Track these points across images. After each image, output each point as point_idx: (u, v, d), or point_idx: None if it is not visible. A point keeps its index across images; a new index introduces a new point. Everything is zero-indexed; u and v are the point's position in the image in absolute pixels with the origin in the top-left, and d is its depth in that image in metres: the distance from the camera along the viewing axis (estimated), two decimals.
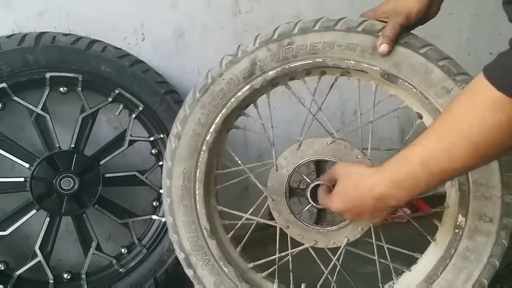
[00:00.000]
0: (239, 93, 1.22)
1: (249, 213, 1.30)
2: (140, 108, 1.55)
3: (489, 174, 1.12)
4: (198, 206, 1.27)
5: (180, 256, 1.28)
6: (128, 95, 1.53)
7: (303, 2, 1.94)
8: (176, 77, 1.77)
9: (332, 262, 1.27)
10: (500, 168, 1.11)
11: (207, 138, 1.24)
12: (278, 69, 1.19)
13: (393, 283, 1.28)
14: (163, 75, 1.66)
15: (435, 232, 1.25)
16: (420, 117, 1.21)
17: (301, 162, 1.23)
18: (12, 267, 1.50)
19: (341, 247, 1.24)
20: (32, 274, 1.52)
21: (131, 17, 1.72)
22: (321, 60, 1.18)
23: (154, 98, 1.55)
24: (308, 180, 1.24)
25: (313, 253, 1.26)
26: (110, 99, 1.54)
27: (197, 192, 1.26)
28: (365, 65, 1.15)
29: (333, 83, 1.25)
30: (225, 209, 1.32)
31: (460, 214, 1.16)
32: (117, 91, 1.52)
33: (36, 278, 1.53)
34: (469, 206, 1.14)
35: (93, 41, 1.51)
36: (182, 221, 1.27)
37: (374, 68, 1.15)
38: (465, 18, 2.42)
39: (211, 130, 1.23)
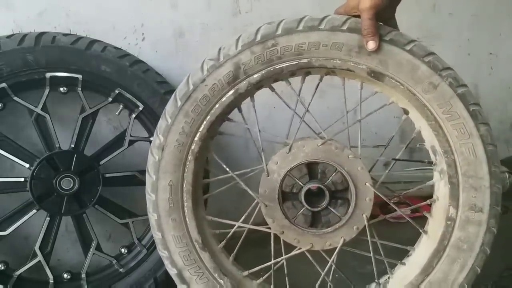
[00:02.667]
0: (224, 99, 1.18)
1: (240, 221, 1.27)
2: (140, 108, 1.55)
3: (478, 166, 1.16)
4: (187, 219, 1.23)
5: (172, 272, 1.25)
6: (128, 95, 1.52)
7: (303, 2, 1.94)
8: (176, 77, 1.77)
9: (328, 264, 1.27)
10: (488, 160, 1.16)
11: (193, 147, 1.20)
12: (263, 72, 1.16)
13: (389, 278, 1.29)
14: (163, 75, 1.66)
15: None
16: (407, 112, 1.23)
17: (292, 166, 1.20)
18: (12, 267, 1.50)
19: (337, 248, 1.24)
20: (32, 274, 1.52)
21: (131, 17, 1.72)
22: (306, 61, 1.16)
23: (154, 98, 1.54)
24: (301, 184, 1.21)
25: (309, 256, 1.25)
26: (110, 99, 1.54)
27: (186, 204, 1.22)
28: (352, 64, 1.15)
29: (318, 83, 1.24)
30: (215, 219, 1.29)
31: (451, 206, 1.18)
32: (117, 91, 1.52)
33: (36, 278, 1.53)
34: (460, 198, 1.18)
35: (93, 41, 1.51)
36: (172, 236, 1.23)
37: (361, 67, 1.15)
38: (465, 18, 2.42)
39: (196, 139, 1.19)
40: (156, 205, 1.22)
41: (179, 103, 1.18)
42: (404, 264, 1.28)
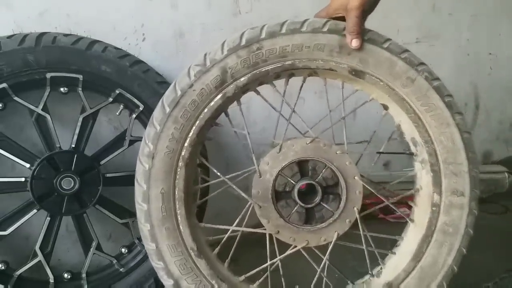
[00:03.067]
0: (212, 103, 1.19)
1: (234, 225, 1.27)
2: (141, 108, 1.55)
3: (456, 153, 1.24)
4: (181, 227, 1.21)
5: (168, 283, 1.23)
6: (128, 95, 1.53)
7: (303, 2, 1.95)
8: (176, 77, 1.77)
9: (324, 261, 1.28)
10: (465, 146, 1.24)
11: (183, 153, 1.19)
12: (249, 75, 1.19)
13: (381, 268, 1.33)
14: (163, 75, 1.66)
15: None
16: (386, 108, 1.30)
17: (284, 165, 1.23)
18: (13, 267, 1.50)
19: (332, 242, 1.26)
20: (33, 274, 1.52)
21: (131, 17, 1.73)
22: (291, 63, 1.19)
23: (154, 98, 1.54)
24: (293, 182, 1.24)
25: (305, 254, 1.26)
26: (110, 99, 1.54)
27: (178, 212, 1.21)
28: (333, 64, 1.20)
29: (302, 84, 1.27)
30: (208, 225, 1.29)
31: (435, 193, 1.25)
32: (117, 91, 1.52)
33: (37, 278, 1.53)
34: (442, 184, 1.25)
35: (94, 42, 1.51)
36: (167, 246, 1.21)
37: (342, 66, 1.20)
38: (465, 18, 2.43)
39: (186, 144, 1.19)
40: (149, 214, 1.20)
41: (168, 109, 1.17)
42: (394, 253, 1.33)
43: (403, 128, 1.30)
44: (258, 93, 1.25)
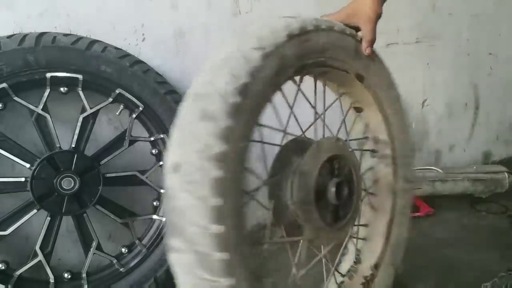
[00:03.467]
0: (269, 94, 1.00)
1: (275, 239, 1.11)
2: (141, 108, 1.55)
3: (407, 147, 1.43)
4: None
5: None
6: (128, 95, 1.53)
7: (303, 2, 1.95)
8: (176, 77, 1.77)
9: (335, 265, 1.29)
10: (411, 142, 1.46)
11: (241, 155, 0.90)
12: (296, 67, 1.06)
13: (359, 254, 1.42)
14: (163, 75, 1.66)
15: None
16: (360, 111, 1.41)
17: (322, 163, 1.12)
18: (13, 267, 1.50)
19: (347, 237, 1.31)
20: (33, 273, 1.52)
21: (131, 17, 1.73)
22: (323, 59, 1.15)
23: (155, 98, 1.55)
24: (329, 180, 1.14)
25: (326, 258, 1.25)
26: (110, 99, 1.54)
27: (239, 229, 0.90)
28: (348, 66, 1.24)
29: (315, 84, 1.25)
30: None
31: (394, 182, 1.41)
32: (117, 91, 1.52)
33: (37, 278, 1.53)
34: (398, 173, 1.41)
35: (94, 41, 1.51)
36: (244, 277, 0.88)
37: (353, 69, 1.25)
38: (465, 18, 2.43)
39: (242, 144, 0.90)
40: (225, 239, 0.84)
41: (238, 98, 0.88)
42: (365, 239, 1.42)
43: (370, 127, 1.42)
44: (280, 89, 1.09)
